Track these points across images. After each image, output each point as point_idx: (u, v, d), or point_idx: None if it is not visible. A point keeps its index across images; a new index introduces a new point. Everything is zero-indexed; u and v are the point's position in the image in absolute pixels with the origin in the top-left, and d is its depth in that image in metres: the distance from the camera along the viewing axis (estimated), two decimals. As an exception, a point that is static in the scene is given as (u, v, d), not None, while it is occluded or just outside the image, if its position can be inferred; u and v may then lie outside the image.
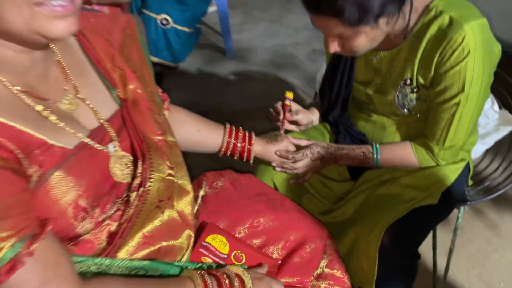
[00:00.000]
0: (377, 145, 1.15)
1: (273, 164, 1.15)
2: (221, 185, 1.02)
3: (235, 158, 1.12)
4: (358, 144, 1.18)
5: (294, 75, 2.79)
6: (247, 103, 2.58)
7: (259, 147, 1.13)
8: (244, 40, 3.26)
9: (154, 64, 2.76)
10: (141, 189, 0.72)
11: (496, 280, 1.59)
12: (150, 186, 0.72)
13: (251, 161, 1.13)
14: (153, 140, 0.76)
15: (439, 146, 1.07)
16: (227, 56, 3.04)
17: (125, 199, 0.71)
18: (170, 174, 0.76)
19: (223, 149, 1.10)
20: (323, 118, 1.30)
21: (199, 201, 0.96)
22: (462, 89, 0.97)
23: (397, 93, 1.09)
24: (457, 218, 1.35)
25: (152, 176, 0.73)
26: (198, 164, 1.34)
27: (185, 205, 0.80)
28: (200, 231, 0.89)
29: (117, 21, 0.85)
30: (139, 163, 0.73)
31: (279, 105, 1.23)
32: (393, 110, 1.13)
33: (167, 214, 0.76)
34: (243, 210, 0.97)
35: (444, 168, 1.12)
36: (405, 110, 1.11)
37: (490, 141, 1.41)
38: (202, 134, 1.07)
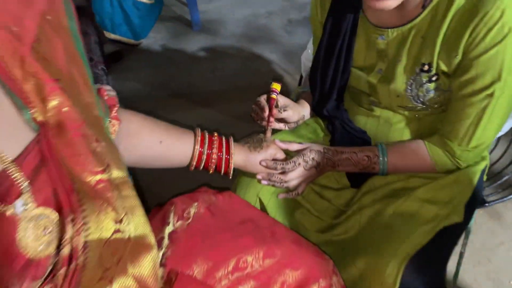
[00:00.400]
0: (384, 146, 0.94)
1: (258, 176, 0.92)
2: (195, 212, 0.79)
3: (210, 171, 0.89)
4: (360, 146, 0.96)
5: (270, 49, 2.53)
6: (220, 83, 2.33)
7: (240, 156, 0.90)
8: (212, 10, 2.96)
9: (112, 42, 2.45)
10: (73, 263, 0.48)
11: (505, 278, 1.44)
12: (87, 256, 0.48)
13: (231, 175, 0.90)
14: (88, 184, 0.52)
15: (461, 147, 0.86)
16: (194, 29, 2.75)
17: (50, 278, 0.48)
18: (117, 230, 0.53)
19: (194, 162, 0.86)
20: (315, 112, 1.07)
21: (165, 241, 0.73)
22: (498, 78, 0.76)
23: (411, 81, 0.87)
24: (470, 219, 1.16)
25: (89, 240, 0.49)
26: (160, 188, 1.09)
27: (145, 265, 0.57)
28: (168, 286, 0.67)
29: (32, 3, 0.58)
30: (68, 223, 0.49)
31: (263, 99, 0.99)
32: (403, 103, 0.91)
33: (119, 284, 0.53)
34: (225, 247, 0.74)
35: (466, 172, 0.92)
36: (419, 103, 0.90)
37: (505, 128, 1.22)
38: (166, 146, 0.83)
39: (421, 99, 0.89)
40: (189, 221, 0.78)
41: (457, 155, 0.88)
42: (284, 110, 0.98)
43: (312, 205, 0.99)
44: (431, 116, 0.94)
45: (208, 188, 0.90)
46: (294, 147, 0.95)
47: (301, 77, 1.48)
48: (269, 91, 0.98)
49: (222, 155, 0.88)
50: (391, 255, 0.78)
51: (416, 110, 0.93)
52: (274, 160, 0.92)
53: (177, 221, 0.77)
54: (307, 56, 1.50)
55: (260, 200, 0.95)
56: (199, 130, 0.89)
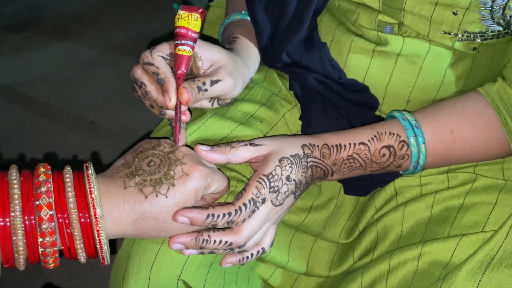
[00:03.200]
0: (412, 118, 0.47)
1: (175, 245, 0.39)
2: None
3: (51, 266, 0.34)
4: (366, 126, 0.48)
5: None
6: (81, 2, 1.64)
7: (121, 214, 0.36)
8: None
9: None
10: None
11: None
12: None
13: (106, 258, 0.36)
14: None
15: None
16: None
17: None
18: None
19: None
20: (266, 60, 0.54)
21: None
22: None
23: None
24: None
25: None
26: None
27: None
28: None
29: None
30: None
31: (159, 60, 0.40)
32: (461, 25, 0.46)
33: None
34: None
35: None
36: (496, 24, 0.44)
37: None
38: None
39: (508, 17, 0.42)
40: None
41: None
42: (214, 82, 0.42)
43: (285, 251, 0.51)
44: (498, 48, 0.48)
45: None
46: (242, 155, 0.42)
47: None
48: (175, 37, 0.40)
49: (72, 219, 0.34)
50: None
51: (480, 39, 0.46)
52: (204, 206, 0.39)
53: None
54: None
55: (184, 284, 0.42)
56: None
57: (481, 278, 0.40)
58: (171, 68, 0.40)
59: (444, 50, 0.49)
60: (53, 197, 0.33)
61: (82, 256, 0.35)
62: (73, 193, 0.34)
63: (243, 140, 0.44)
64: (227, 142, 0.47)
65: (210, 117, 0.48)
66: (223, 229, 0.40)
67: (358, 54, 0.52)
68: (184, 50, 0.38)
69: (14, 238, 0.32)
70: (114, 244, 0.38)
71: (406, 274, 0.46)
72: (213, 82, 0.40)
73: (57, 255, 0.34)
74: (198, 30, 0.39)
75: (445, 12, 0.44)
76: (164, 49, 0.40)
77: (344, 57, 0.53)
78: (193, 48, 0.39)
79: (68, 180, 0.34)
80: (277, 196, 0.41)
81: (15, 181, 0.33)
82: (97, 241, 0.35)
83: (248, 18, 0.54)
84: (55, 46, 1.50)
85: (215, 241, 0.39)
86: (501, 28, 0.44)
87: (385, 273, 0.47)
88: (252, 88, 0.54)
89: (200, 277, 0.43)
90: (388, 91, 0.52)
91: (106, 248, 0.36)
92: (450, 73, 0.50)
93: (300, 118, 0.53)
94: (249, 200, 0.39)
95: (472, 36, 0.46)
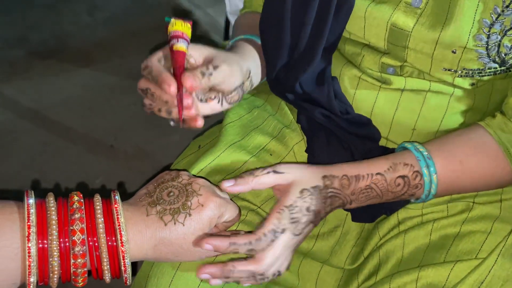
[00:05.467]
0: (425, 150, 0.50)
1: (203, 275, 0.43)
2: None
3: (80, 284, 0.38)
4: (379, 157, 0.52)
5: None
6: (104, 29, 1.77)
7: (143, 239, 0.40)
8: None
9: None
10: None
11: None
12: None
13: (128, 279, 0.40)
14: None
15: None
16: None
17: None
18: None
19: (31, 278, 0.35)
20: (275, 89, 0.58)
21: None
22: None
23: (491, 20, 0.47)
24: None
25: None
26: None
27: None
28: None
29: None
30: None
31: (155, 61, 0.45)
32: (460, 63, 0.50)
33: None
34: None
35: None
36: (492, 61, 0.50)
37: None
38: None
39: (503, 54, 0.46)
40: None
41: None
42: (215, 67, 0.44)
43: (296, 274, 0.54)
44: (497, 83, 0.53)
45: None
46: (265, 182, 0.46)
47: (227, 21, 0.93)
48: (168, 41, 0.44)
49: (101, 243, 0.38)
50: None
51: (478, 75, 0.50)
52: (225, 234, 0.43)
53: None
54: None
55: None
56: (31, 195, 0.36)
57: None
58: (168, 69, 0.44)
59: (444, 87, 0.53)
60: (85, 222, 0.37)
61: (107, 276, 0.39)
62: (102, 219, 0.38)
63: (266, 167, 0.47)
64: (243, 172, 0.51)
65: (225, 150, 0.52)
66: (245, 258, 0.44)
67: (366, 89, 0.55)
68: (181, 47, 0.43)
69: (50, 259, 0.36)
70: (134, 265, 0.42)
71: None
72: (214, 67, 0.44)
73: (86, 275, 0.38)
74: (189, 34, 0.44)
75: (445, 51, 0.48)
76: (157, 54, 0.45)
77: (352, 92, 0.56)
78: (186, 45, 0.43)
79: (98, 207, 0.39)
80: (297, 226, 0.45)
81: (52, 208, 0.37)
82: (122, 263, 0.39)
83: (253, 38, 0.57)
84: (78, 73, 1.56)
85: (239, 271, 0.43)
86: (497, 65, 0.48)
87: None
88: (266, 118, 0.58)
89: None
90: (394, 120, 0.55)
91: (129, 270, 0.39)
92: (452, 106, 0.54)
93: (306, 151, 0.57)
94: (269, 230, 0.43)
95: (470, 72, 0.50)
